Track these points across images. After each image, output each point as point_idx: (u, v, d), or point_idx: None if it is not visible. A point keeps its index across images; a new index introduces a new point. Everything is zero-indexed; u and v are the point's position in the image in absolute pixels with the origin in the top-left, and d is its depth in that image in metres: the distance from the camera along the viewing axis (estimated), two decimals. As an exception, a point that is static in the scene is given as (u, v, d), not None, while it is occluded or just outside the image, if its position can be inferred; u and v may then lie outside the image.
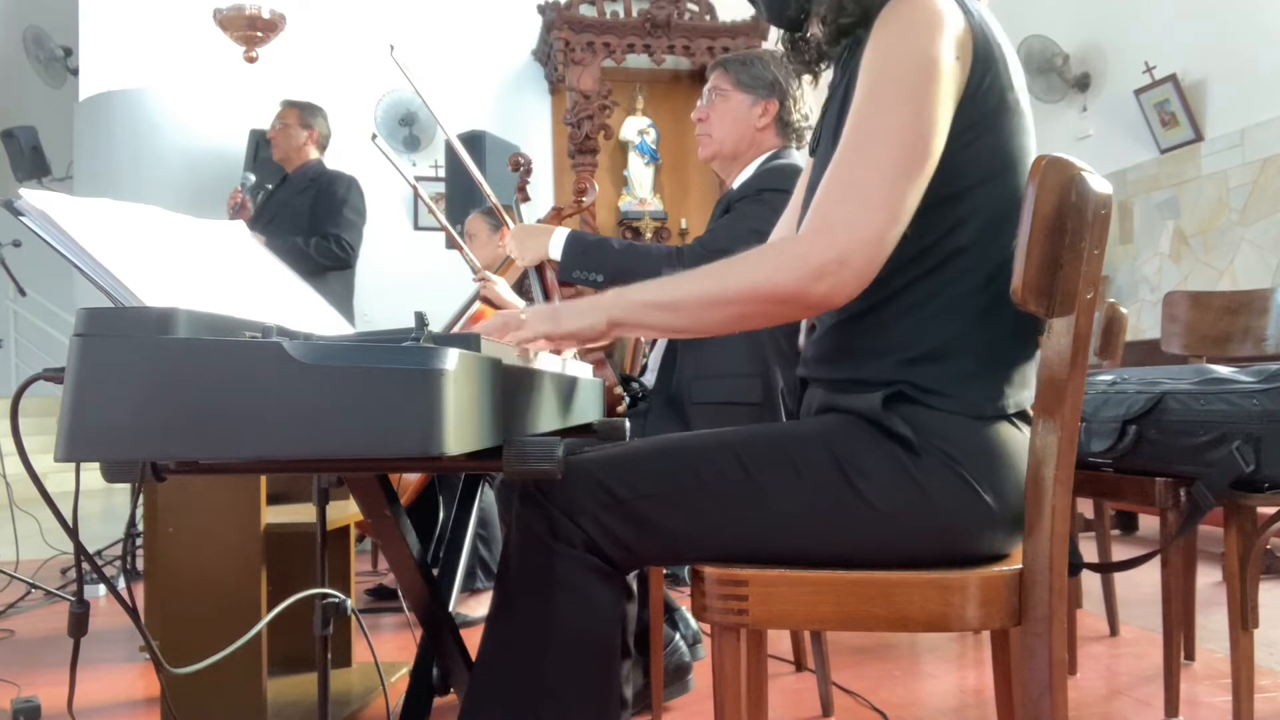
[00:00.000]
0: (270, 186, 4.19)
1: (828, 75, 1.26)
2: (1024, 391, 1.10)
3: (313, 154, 4.10)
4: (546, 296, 2.21)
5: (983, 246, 1.07)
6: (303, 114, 4.09)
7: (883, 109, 1.02)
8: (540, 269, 2.20)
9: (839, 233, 0.99)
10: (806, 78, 1.28)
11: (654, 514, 1.06)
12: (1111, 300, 2.64)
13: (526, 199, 2.79)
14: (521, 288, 3.07)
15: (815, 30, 1.19)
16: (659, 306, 1.07)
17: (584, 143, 5.46)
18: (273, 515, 1.96)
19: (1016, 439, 1.09)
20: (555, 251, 2.07)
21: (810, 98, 2.19)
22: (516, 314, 1.11)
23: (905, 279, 1.08)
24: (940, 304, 1.08)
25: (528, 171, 2.78)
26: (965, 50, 1.04)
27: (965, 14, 1.05)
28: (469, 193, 4.69)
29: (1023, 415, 1.11)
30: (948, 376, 1.07)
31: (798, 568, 1.05)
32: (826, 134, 1.17)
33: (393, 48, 2.04)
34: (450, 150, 5.23)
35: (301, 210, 3.96)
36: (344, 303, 3.97)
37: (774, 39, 1.31)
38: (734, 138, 2.15)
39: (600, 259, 2.07)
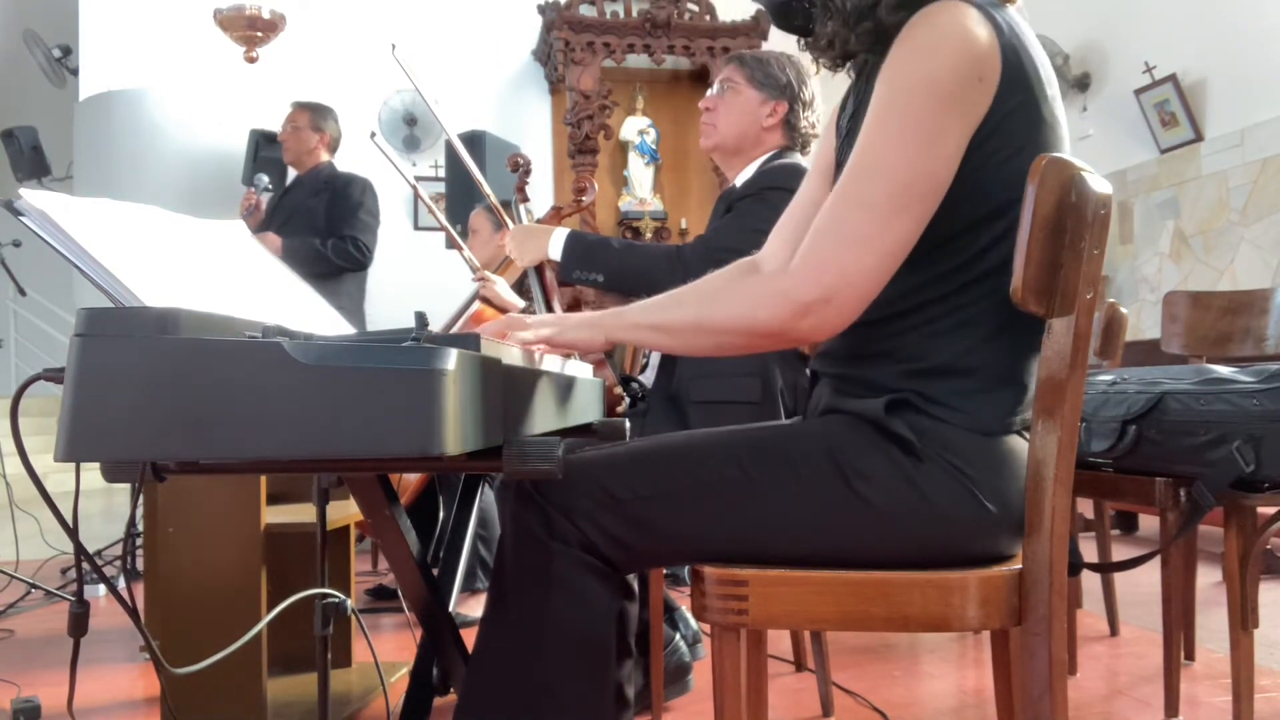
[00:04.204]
0: (274, 186, 4.18)
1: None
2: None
3: (324, 156, 4.09)
4: (546, 296, 2.20)
5: (1008, 267, 1.03)
6: (314, 116, 4.07)
7: (887, 140, 0.99)
8: (540, 269, 2.20)
9: (827, 272, 0.99)
10: (823, 75, 1.25)
11: (652, 514, 1.06)
12: (1111, 300, 2.64)
13: (526, 199, 2.79)
14: (521, 288, 3.07)
15: (836, 30, 1.13)
16: (653, 328, 1.11)
17: (584, 143, 5.45)
18: (273, 515, 1.96)
19: (1023, 449, 1.07)
20: (555, 252, 2.07)
21: (820, 106, 2.18)
22: (522, 318, 1.14)
23: (924, 297, 1.07)
24: (954, 321, 1.07)
25: (527, 171, 2.78)
26: (991, 69, 0.99)
27: (993, 27, 1.00)
28: (469, 193, 4.68)
29: (1030, 427, 1.10)
30: (954, 391, 1.06)
31: (796, 568, 1.05)
32: (848, 140, 1.15)
33: (394, 46, 2.04)
34: (450, 150, 5.22)
35: (316, 212, 3.94)
36: (356, 304, 3.97)
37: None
38: (737, 132, 2.15)
39: (601, 259, 2.07)
